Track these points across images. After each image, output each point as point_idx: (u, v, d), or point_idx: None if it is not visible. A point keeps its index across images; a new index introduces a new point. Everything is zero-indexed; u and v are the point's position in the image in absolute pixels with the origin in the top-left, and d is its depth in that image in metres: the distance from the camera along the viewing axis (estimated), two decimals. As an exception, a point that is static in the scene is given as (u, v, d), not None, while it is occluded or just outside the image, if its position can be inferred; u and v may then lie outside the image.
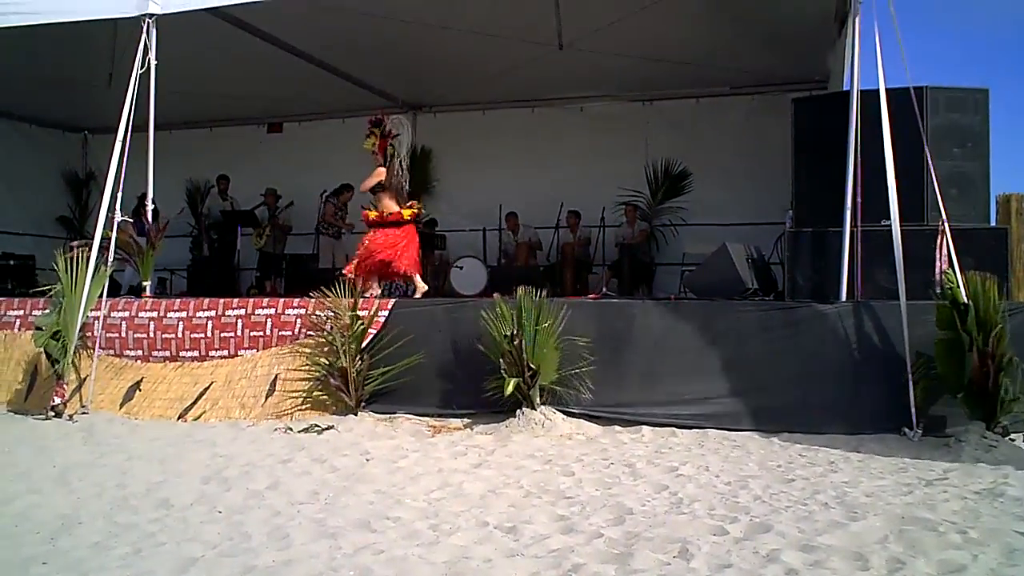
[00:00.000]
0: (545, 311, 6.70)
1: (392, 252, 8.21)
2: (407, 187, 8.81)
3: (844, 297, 6.57)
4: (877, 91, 6.56)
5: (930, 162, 6.60)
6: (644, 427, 6.46)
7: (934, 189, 6.54)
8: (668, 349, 6.76)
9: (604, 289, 10.71)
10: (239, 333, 7.79)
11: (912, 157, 6.61)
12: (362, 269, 8.29)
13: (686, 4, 9.28)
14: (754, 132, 11.60)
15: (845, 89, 7.54)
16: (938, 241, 6.47)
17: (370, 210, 8.51)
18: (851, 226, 6.65)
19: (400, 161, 8.58)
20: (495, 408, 6.81)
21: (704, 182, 12.01)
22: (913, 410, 5.96)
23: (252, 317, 7.77)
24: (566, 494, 4.59)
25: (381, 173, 8.43)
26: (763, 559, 3.41)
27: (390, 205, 8.39)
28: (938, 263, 6.45)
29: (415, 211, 8.51)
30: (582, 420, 6.67)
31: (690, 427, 6.46)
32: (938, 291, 6.14)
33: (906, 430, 5.98)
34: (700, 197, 11.97)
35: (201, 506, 4.43)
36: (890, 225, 6.30)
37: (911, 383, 5.97)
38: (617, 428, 6.50)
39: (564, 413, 6.71)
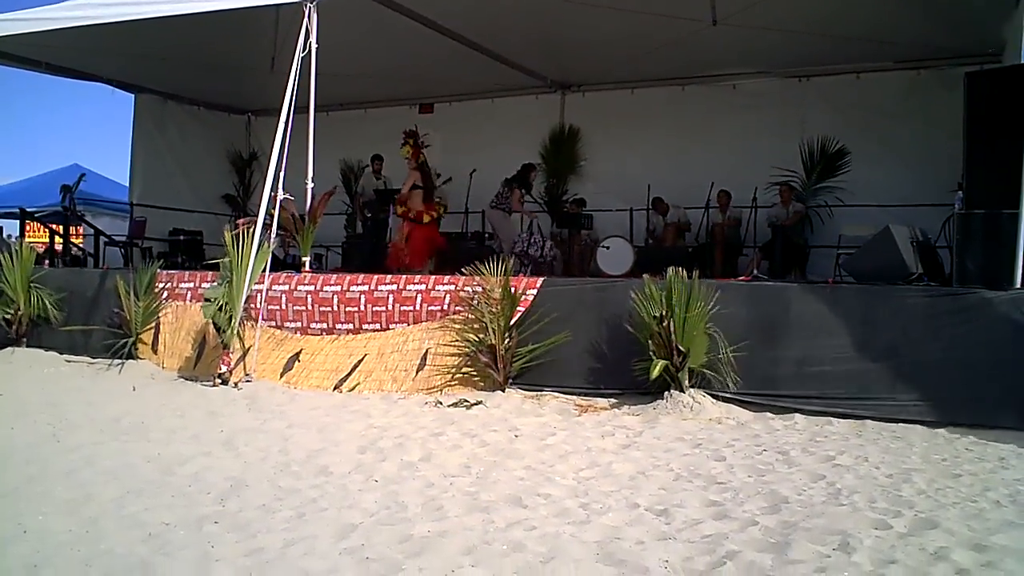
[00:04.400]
0: (696, 293, 6.59)
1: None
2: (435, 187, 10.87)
3: (1019, 283, 6.17)
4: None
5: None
6: (797, 415, 6.28)
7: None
8: (825, 335, 6.52)
9: (755, 271, 10.42)
10: (390, 308, 8.01)
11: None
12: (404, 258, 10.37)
13: (847, -26, 8.88)
14: (919, 108, 11.01)
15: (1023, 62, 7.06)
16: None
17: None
18: (1028, 208, 6.22)
19: (431, 168, 10.75)
20: (642, 389, 6.77)
21: (863, 161, 11.47)
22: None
23: (403, 292, 7.97)
24: (718, 479, 4.51)
25: (416, 176, 10.47)
26: (931, 556, 3.26)
27: (418, 204, 10.45)
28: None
29: (435, 213, 10.60)
30: (732, 405, 6.54)
31: (847, 416, 6.24)
32: None
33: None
34: (858, 177, 11.43)
35: (358, 475, 4.59)
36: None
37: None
38: (769, 415, 6.34)
39: (713, 397, 6.59)
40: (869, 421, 6.13)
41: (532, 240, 11.34)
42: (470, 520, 3.73)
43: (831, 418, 6.22)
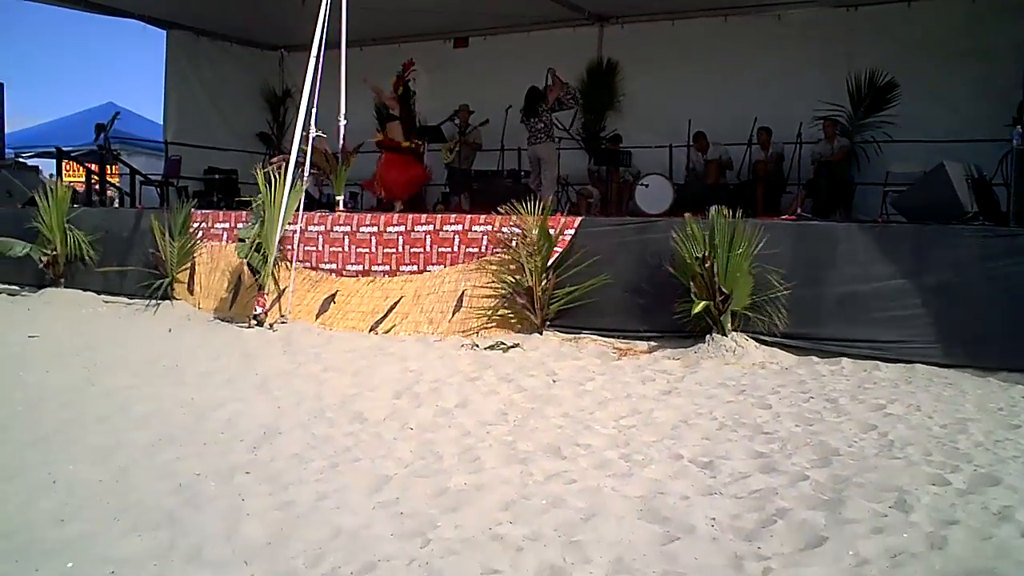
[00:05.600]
0: (739, 233, 6.37)
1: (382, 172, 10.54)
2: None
3: (1082, 223, 5.88)
4: None
5: None
6: (844, 359, 6.09)
7: None
8: (873, 276, 6.27)
9: (799, 210, 10.12)
10: (428, 249, 7.88)
11: None
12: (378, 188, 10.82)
13: None
14: (974, 38, 10.50)
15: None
16: None
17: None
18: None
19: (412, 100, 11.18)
20: (683, 332, 6.62)
21: (914, 95, 11.00)
22: None
23: (440, 233, 7.82)
24: (763, 428, 4.36)
25: (394, 106, 10.97)
26: (994, 517, 3.08)
27: (396, 134, 10.85)
28: None
29: (412, 144, 10.89)
30: (776, 349, 6.36)
31: (895, 360, 6.03)
32: None
33: None
34: (908, 111, 10.96)
35: (393, 421, 4.50)
36: None
37: None
38: (814, 359, 6.15)
39: (757, 340, 6.42)
40: (918, 366, 5.92)
41: None
42: (507, 472, 3.61)
43: (879, 362, 6.03)
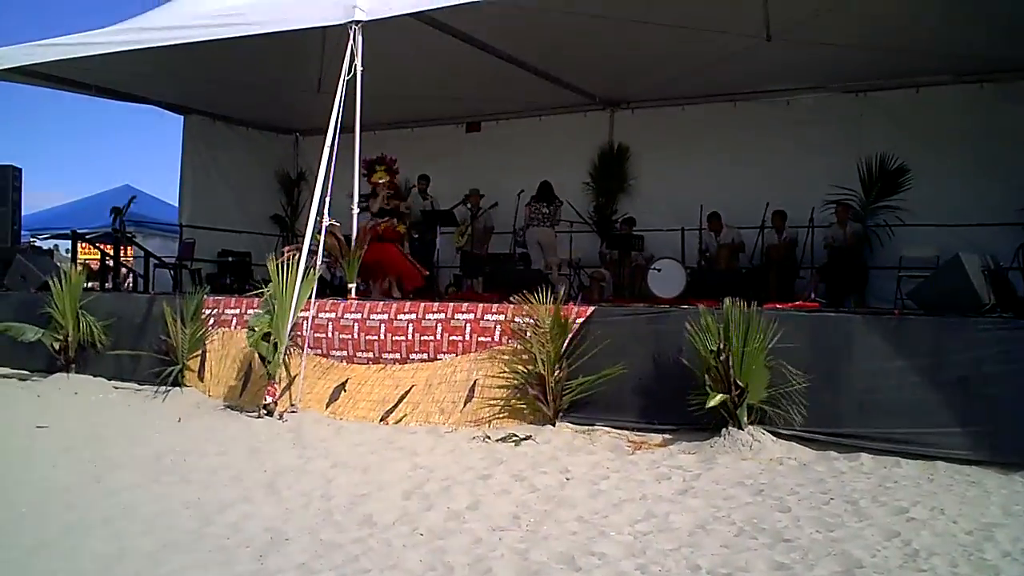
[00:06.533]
0: (755, 324, 6.30)
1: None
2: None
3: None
4: None
5: None
6: (863, 454, 5.95)
7: None
8: (892, 369, 6.17)
9: (812, 294, 10.09)
10: (438, 337, 7.82)
11: None
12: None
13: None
14: (982, 124, 10.63)
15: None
16: None
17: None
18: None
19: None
20: (698, 425, 6.49)
21: (924, 179, 11.06)
22: None
23: (452, 322, 7.78)
24: (784, 535, 4.23)
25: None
26: (1029, 643, 2.96)
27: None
28: None
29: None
30: (793, 443, 6.22)
31: (915, 456, 5.89)
32: None
33: None
34: (920, 196, 11.01)
35: (403, 526, 4.39)
36: None
37: None
38: (833, 454, 6.02)
39: (773, 434, 6.29)
40: (939, 463, 5.78)
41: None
42: (521, 587, 3.50)
43: (899, 458, 5.88)
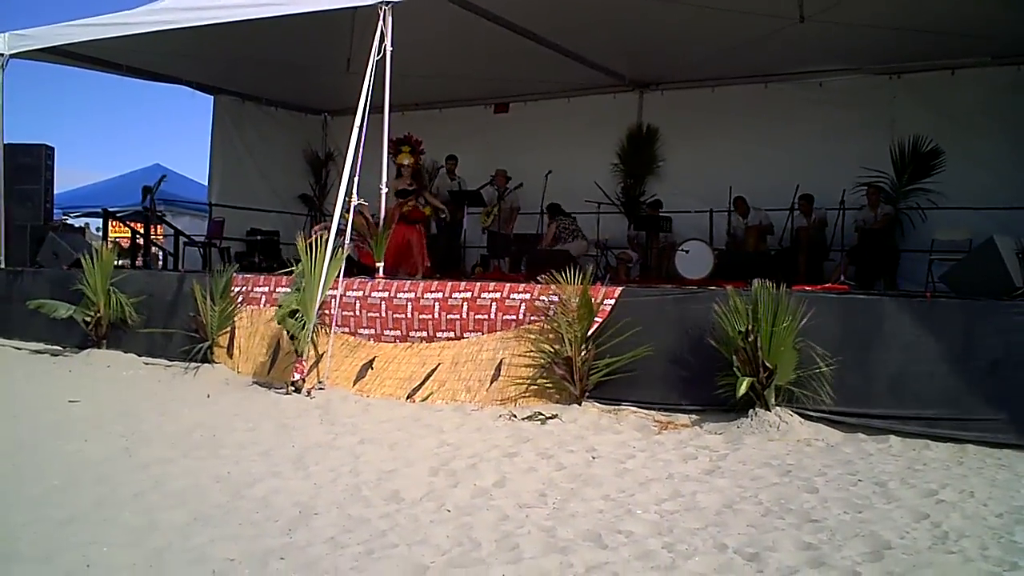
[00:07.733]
0: (783, 306, 6.26)
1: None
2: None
3: None
4: None
5: None
6: (892, 436, 5.90)
7: None
8: (922, 352, 6.12)
9: (842, 277, 9.99)
10: (464, 316, 7.84)
11: None
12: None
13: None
14: (1019, 106, 10.44)
15: None
16: None
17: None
18: None
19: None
20: (725, 406, 6.47)
21: (958, 162, 10.90)
22: None
23: (478, 301, 7.79)
24: (811, 516, 4.21)
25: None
26: (1059, 624, 2.93)
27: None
28: None
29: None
30: (821, 425, 6.18)
31: (945, 439, 5.84)
32: None
33: None
34: (952, 179, 10.86)
35: (430, 502, 4.41)
36: None
37: None
38: (861, 436, 5.98)
39: (801, 416, 6.25)
40: (970, 446, 5.72)
41: None
42: (547, 563, 3.51)
43: (928, 440, 5.83)
